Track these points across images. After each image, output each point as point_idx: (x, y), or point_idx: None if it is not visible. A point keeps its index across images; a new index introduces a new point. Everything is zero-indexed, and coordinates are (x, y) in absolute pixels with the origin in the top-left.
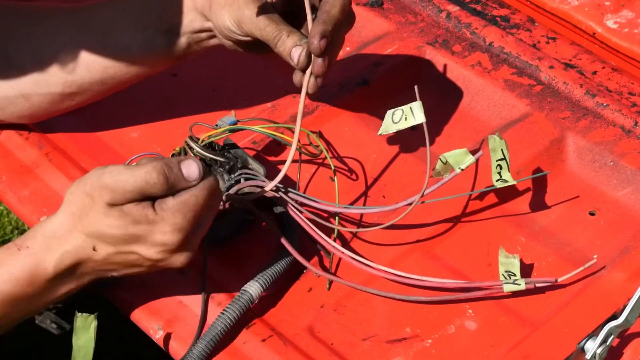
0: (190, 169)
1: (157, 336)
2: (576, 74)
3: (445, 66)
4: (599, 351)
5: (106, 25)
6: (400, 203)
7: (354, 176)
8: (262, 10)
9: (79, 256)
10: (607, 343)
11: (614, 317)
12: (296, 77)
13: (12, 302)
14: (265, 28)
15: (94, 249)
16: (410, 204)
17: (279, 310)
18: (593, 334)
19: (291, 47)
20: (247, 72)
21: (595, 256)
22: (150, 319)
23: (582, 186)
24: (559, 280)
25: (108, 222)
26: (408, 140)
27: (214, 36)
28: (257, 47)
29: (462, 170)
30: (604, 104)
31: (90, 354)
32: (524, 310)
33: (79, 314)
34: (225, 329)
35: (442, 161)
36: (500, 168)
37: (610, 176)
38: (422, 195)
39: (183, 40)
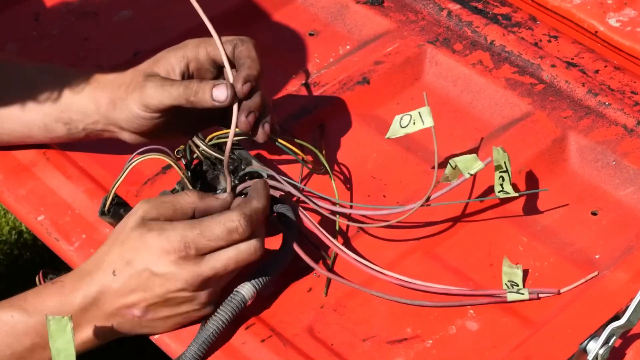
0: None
1: (155, 336)
2: (578, 72)
3: (446, 65)
4: (601, 352)
5: (10, 99)
6: (410, 205)
7: (354, 175)
8: (162, 78)
9: (101, 284)
10: (609, 344)
11: (616, 317)
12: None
13: (42, 333)
14: (172, 89)
15: (114, 274)
16: (424, 204)
17: (278, 310)
18: (595, 335)
19: (211, 89)
20: None
21: (596, 271)
22: None
23: (584, 186)
24: (561, 291)
25: (130, 235)
26: (409, 139)
27: (114, 132)
28: (164, 128)
29: (471, 175)
30: (606, 103)
31: (72, 355)
32: (525, 311)
33: (50, 317)
34: (218, 331)
35: (451, 166)
36: (503, 180)
37: (613, 176)
38: (428, 200)
39: (82, 134)
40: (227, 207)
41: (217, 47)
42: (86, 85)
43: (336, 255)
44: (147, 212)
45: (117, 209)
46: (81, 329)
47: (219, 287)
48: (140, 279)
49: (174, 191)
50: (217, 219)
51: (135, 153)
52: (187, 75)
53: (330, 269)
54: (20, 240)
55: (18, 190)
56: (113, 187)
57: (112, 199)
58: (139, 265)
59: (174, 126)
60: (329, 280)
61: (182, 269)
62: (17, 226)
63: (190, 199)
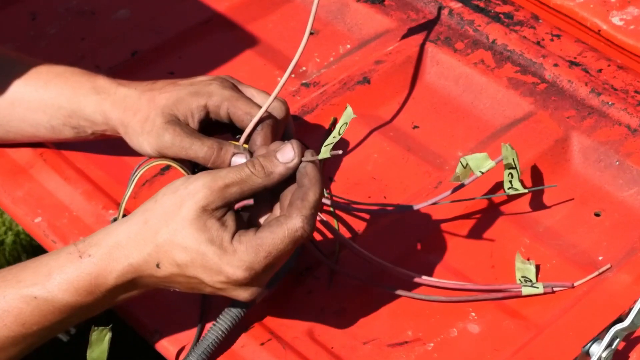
0: (286, 153)
1: (155, 340)
2: (581, 72)
3: (447, 64)
4: (604, 355)
5: (20, 98)
6: (422, 204)
7: (354, 176)
8: (182, 131)
9: (142, 271)
10: (613, 347)
11: (620, 320)
12: None
13: (70, 310)
14: (192, 147)
15: (158, 266)
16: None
17: (278, 313)
18: (598, 337)
19: (230, 159)
20: (247, 70)
21: (609, 264)
22: (148, 323)
23: (587, 186)
24: (575, 284)
25: (185, 233)
26: (410, 139)
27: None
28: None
29: (483, 174)
30: (610, 103)
31: None
32: (527, 313)
33: (95, 327)
34: (217, 341)
35: (462, 165)
36: (512, 177)
37: (616, 176)
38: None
39: (91, 137)
40: (295, 171)
41: (239, 107)
42: (95, 95)
43: (339, 250)
44: (210, 202)
45: None
46: (107, 297)
47: (238, 262)
48: (189, 280)
49: None
50: (282, 233)
51: (139, 164)
52: (205, 123)
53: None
54: (17, 242)
55: (15, 192)
56: (121, 206)
57: (123, 217)
58: (191, 272)
59: None
60: (332, 273)
61: (244, 290)
62: (13, 227)
63: (258, 179)
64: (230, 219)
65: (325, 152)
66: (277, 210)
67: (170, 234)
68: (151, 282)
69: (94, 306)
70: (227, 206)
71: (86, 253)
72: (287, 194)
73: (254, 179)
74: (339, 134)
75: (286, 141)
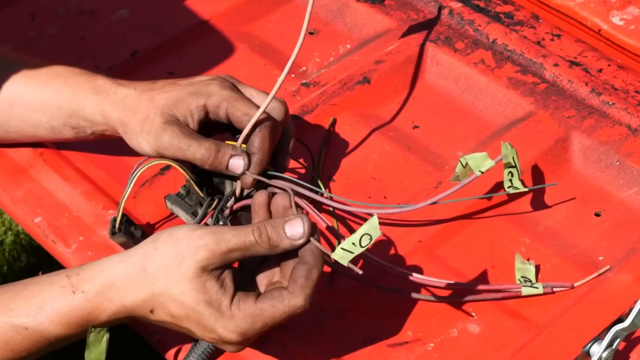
0: (294, 229)
1: (154, 340)
2: (581, 71)
3: (447, 64)
4: (604, 355)
5: (20, 98)
6: (422, 203)
7: (354, 176)
8: (180, 132)
9: (135, 312)
10: (613, 347)
11: (620, 320)
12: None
13: (59, 342)
14: (189, 148)
15: (151, 312)
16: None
17: None
18: (598, 338)
19: (227, 161)
20: (246, 70)
21: (609, 265)
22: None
23: (588, 186)
24: (575, 285)
25: (183, 290)
26: (410, 139)
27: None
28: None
29: (482, 173)
30: (610, 103)
31: None
32: (528, 313)
33: (93, 328)
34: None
35: (462, 164)
36: (512, 175)
37: (616, 176)
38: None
39: (91, 137)
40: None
41: (237, 108)
42: (94, 95)
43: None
44: (211, 264)
45: (127, 227)
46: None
47: (233, 328)
48: (180, 329)
49: (179, 195)
50: (282, 309)
51: (138, 164)
52: (205, 123)
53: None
54: (17, 242)
55: (15, 192)
56: (120, 205)
57: (122, 217)
58: (184, 324)
59: None
60: (332, 273)
61: (234, 347)
62: (13, 227)
63: (261, 249)
64: (228, 279)
65: (342, 258)
66: (277, 275)
67: (168, 287)
68: (143, 320)
69: (78, 337)
70: (227, 267)
71: (79, 289)
72: (290, 263)
73: (258, 248)
74: (361, 246)
75: (297, 215)
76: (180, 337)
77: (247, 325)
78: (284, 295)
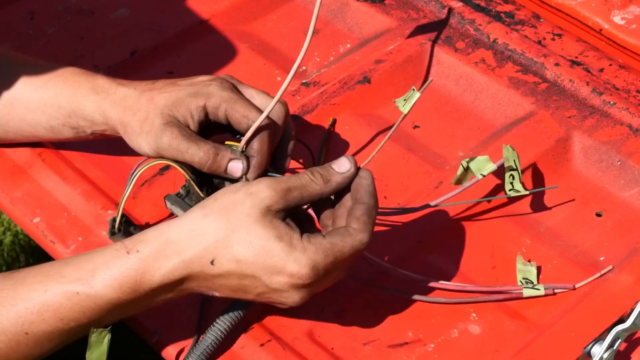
0: (342, 164)
1: (154, 340)
2: (582, 71)
3: (448, 63)
4: (605, 356)
5: (19, 98)
6: (423, 206)
7: None
8: (180, 134)
9: (193, 267)
10: (614, 347)
11: (621, 320)
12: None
13: (109, 307)
14: (188, 151)
15: (212, 263)
16: (436, 205)
17: (278, 314)
18: (599, 338)
19: (226, 164)
20: (246, 70)
21: (611, 266)
22: (147, 323)
23: (589, 186)
24: (576, 286)
25: (250, 229)
26: (411, 139)
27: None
28: None
29: (484, 176)
30: (611, 102)
31: None
32: (529, 314)
33: (94, 329)
34: (217, 341)
35: (463, 167)
36: (513, 178)
37: (618, 176)
38: (436, 205)
39: (91, 137)
40: (350, 182)
41: (236, 110)
42: (94, 95)
43: None
44: (275, 202)
45: (126, 227)
46: (149, 295)
47: (307, 261)
48: (243, 281)
49: (178, 195)
50: (351, 242)
51: (138, 164)
52: (205, 123)
53: None
54: (16, 242)
55: (13, 192)
56: (120, 205)
57: (122, 217)
58: (249, 270)
59: None
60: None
61: (298, 293)
62: (11, 227)
63: (317, 185)
64: (292, 223)
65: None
66: (337, 220)
67: (233, 229)
68: (197, 283)
69: (134, 305)
70: (288, 210)
71: (134, 249)
72: (345, 203)
73: (313, 185)
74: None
75: (340, 157)
76: (180, 337)
77: (319, 257)
78: (350, 230)
